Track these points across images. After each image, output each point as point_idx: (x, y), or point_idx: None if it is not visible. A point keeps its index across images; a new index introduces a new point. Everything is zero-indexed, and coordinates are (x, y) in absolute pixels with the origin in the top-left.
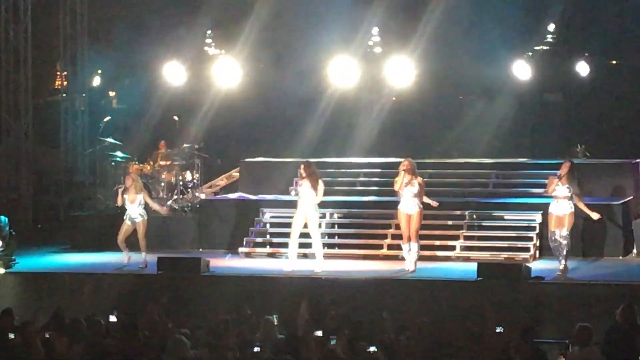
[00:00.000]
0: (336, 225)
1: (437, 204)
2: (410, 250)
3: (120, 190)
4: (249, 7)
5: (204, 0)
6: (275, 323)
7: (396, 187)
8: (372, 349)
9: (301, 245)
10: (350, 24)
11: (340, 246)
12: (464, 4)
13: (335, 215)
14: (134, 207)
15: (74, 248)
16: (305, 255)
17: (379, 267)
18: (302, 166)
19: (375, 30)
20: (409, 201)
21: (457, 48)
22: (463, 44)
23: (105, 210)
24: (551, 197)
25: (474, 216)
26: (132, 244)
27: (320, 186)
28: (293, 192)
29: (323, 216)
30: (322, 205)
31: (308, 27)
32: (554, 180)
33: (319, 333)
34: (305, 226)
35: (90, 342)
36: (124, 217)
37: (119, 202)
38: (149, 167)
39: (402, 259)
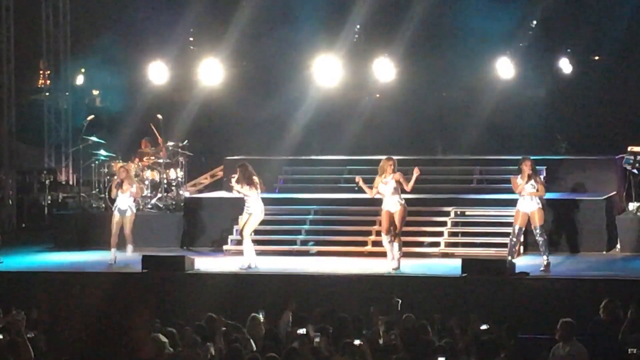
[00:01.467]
0: (321, 223)
1: (419, 171)
2: (392, 247)
3: (114, 183)
4: (232, 6)
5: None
6: (262, 320)
7: (370, 195)
8: (357, 342)
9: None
10: (333, 22)
11: (325, 243)
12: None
13: (320, 213)
14: (125, 197)
15: (58, 247)
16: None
17: (363, 264)
18: (238, 169)
19: (358, 28)
20: (390, 199)
21: (440, 45)
22: (446, 41)
23: (89, 209)
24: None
25: (458, 212)
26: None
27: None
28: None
29: (308, 213)
30: (307, 202)
31: (291, 25)
32: (516, 180)
33: (303, 331)
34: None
35: (71, 342)
36: (113, 209)
37: (113, 194)
38: (132, 166)
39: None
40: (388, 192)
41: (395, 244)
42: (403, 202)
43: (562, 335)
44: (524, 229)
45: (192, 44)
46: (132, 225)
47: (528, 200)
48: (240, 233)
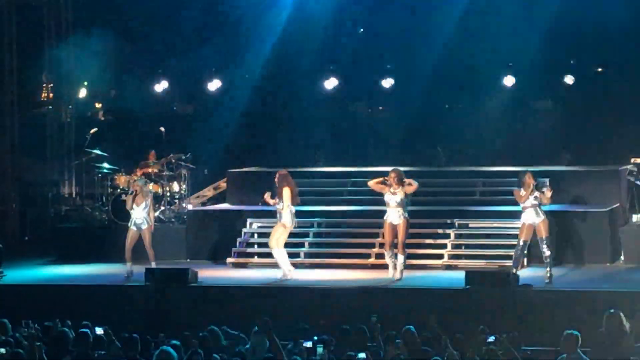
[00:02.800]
0: (324, 235)
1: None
2: (396, 260)
3: (130, 196)
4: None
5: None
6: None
7: (369, 183)
8: (362, 355)
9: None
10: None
11: (328, 255)
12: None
13: (323, 225)
14: (139, 210)
15: (61, 260)
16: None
17: (366, 276)
18: (277, 176)
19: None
20: (394, 211)
21: (442, 54)
22: (450, 52)
23: (92, 222)
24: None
25: (462, 224)
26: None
27: (285, 195)
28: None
29: (311, 225)
30: (311, 214)
31: (293, 34)
32: (519, 192)
33: (308, 344)
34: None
35: (78, 354)
36: (129, 224)
37: (129, 207)
38: (135, 179)
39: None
40: (394, 203)
41: (400, 256)
42: (407, 215)
43: (566, 347)
44: (529, 241)
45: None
46: (150, 238)
47: (532, 212)
48: (272, 245)
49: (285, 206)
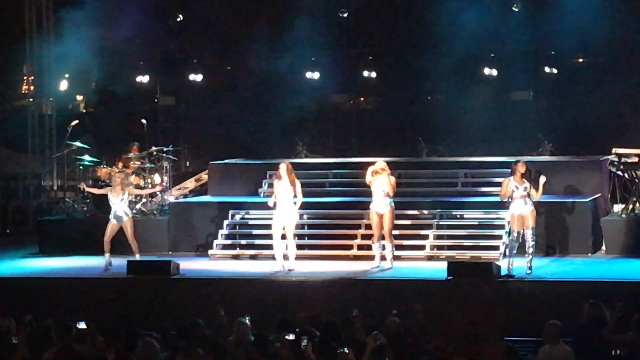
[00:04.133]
0: (306, 226)
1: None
2: (384, 249)
3: (103, 188)
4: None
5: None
6: (249, 325)
7: (366, 180)
8: (345, 349)
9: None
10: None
11: (311, 247)
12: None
13: (305, 216)
14: (117, 202)
15: (43, 253)
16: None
17: (349, 268)
18: (281, 167)
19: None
20: (381, 200)
21: (425, 47)
22: (431, 43)
23: (74, 214)
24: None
25: (444, 215)
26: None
27: (298, 187)
28: (263, 194)
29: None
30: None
31: (276, 27)
32: (507, 184)
33: (291, 336)
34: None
35: (61, 348)
36: (110, 217)
37: (97, 191)
38: (117, 170)
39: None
40: (381, 192)
41: (389, 245)
42: (393, 204)
43: (548, 337)
44: (522, 232)
45: (176, 48)
46: (132, 230)
47: (521, 203)
48: (287, 236)
49: (300, 196)
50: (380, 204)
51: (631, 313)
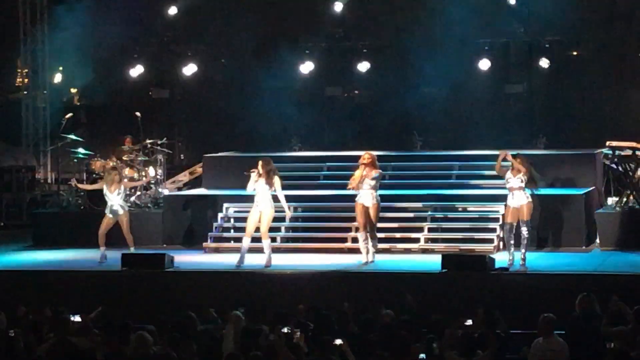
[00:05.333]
0: (300, 219)
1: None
2: (366, 242)
3: (96, 184)
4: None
5: None
6: (243, 318)
7: (349, 186)
8: (338, 341)
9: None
10: (312, 15)
11: (304, 240)
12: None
13: (299, 209)
14: (114, 197)
15: (37, 245)
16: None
17: (343, 260)
18: (260, 163)
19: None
20: (366, 193)
21: (419, 40)
22: (425, 36)
23: (68, 207)
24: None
25: (437, 208)
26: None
27: (277, 182)
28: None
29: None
30: (286, 199)
31: (270, 17)
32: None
33: (286, 330)
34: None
35: (57, 340)
36: (105, 211)
37: (90, 187)
38: (111, 164)
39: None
40: (367, 185)
41: (371, 240)
42: (379, 198)
43: (542, 330)
44: (515, 224)
45: (170, 40)
46: (128, 224)
47: (518, 195)
48: (262, 233)
49: (280, 192)
50: (366, 197)
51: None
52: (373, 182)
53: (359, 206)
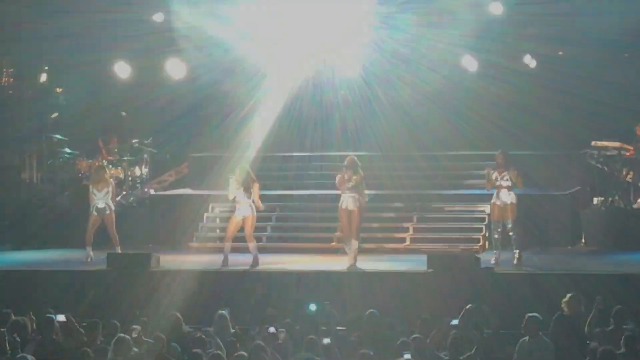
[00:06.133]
0: (286, 219)
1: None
2: (349, 245)
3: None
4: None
5: None
6: (228, 317)
7: (338, 185)
8: (326, 341)
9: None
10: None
11: (291, 239)
12: None
13: (286, 209)
14: (102, 196)
15: (22, 245)
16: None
17: (329, 260)
18: (237, 171)
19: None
20: (348, 197)
21: (403, 39)
22: (410, 35)
23: (53, 207)
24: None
25: (424, 208)
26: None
27: (255, 190)
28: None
29: (273, 210)
30: (272, 198)
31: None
32: (492, 175)
33: (272, 330)
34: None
35: (41, 341)
36: (91, 210)
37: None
38: (97, 164)
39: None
40: (349, 190)
41: (354, 242)
42: (362, 201)
43: (527, 330)
44: (501, 222)
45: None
46: (113, 223)
47: (504, 193)
48: (246, 236)
49: (258, 199)
50: (348, 201)
51: (609, 306)
52: (350, 185)
53: (342, 211)
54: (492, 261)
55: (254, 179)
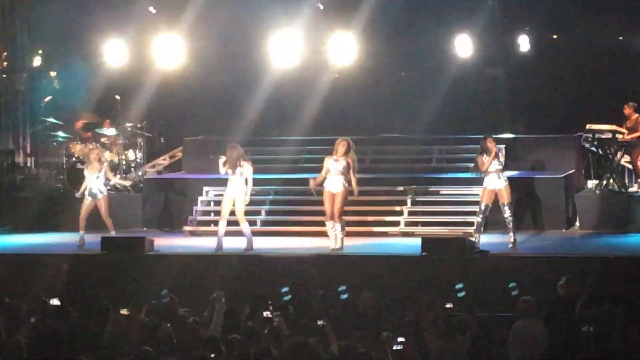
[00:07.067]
0: (281, 202)
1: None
2: (334, 229)
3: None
4: None
5: None
6: (223, 300)
7: (322, 174)
8: (320, 322)
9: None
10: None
11: (285, 223)
12: None
13: (280, 193)
14: (93, 180)
15: (16, 229)
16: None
17: (323, 244)
18: (227, 149)
19: (318, 6)
20: (334, 179)
21: (400, 24)
22: (405, 20)
23: (47, 191)
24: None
25: (418, 192)
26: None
27: (247, 169)
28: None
29: (268, 193)
30: (266, 182)
31: (251, 3)
32: (482, 158)
33: (267, 314)
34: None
35: (35, 324)
36: (85, 194)
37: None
38: (91, 146)
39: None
40: (336, 171)
41: (337, 225)
42: (347, 184)
43: (521, 312)
44: (490, 206)
45: (150, 23)
46: (107, 208)
47: (495, 177)
48: (243, 219)
49: (251, 178)
50: (334, 183)
51: (603, 289)
52: (341, 168)
53: (327, 193)
54: (511, 245)
55: (243, 156)
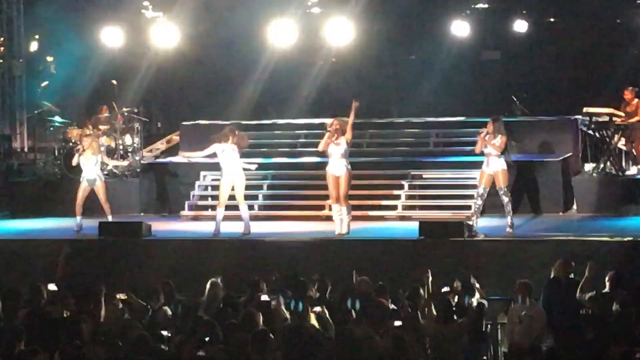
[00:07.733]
0: (278, 187)
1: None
2: (340, 213)
3: (77, 152)
4: None
5: None
6: (220, 285)
7: (319, 148)
8: (318, 309)
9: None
10: None
11: (282, 207)
12: None
13: (277, 177)
14: (90, 166)
15: (14, 215)
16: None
17: (321, 228)
18: (227, 130)
19: None
20: (337, 162)
21: (395, 7)
22: (403, 4)
23: (45, 176)
24: (482, 154)
25: (415, 175)
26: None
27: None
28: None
29: (265, 178)
30: (264, 166)
31: None
32: (483, 136)
33: (265, 297)
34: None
35: (32, 309)
36: (80, 179)
37: (74, 162)
38: (88, 132)
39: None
40: (337, 154)
41: (344, 209)
42: (349, 166)
43: (519, 295)
44: (488, 189)
45: (146, 8)
46: (105, 193)
47: (493, 160)
48: (243, 201)
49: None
50: (336, 166)
51: (601, 271)
52: (342, 150)
53: (330, 177)
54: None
55: (239, 135)
